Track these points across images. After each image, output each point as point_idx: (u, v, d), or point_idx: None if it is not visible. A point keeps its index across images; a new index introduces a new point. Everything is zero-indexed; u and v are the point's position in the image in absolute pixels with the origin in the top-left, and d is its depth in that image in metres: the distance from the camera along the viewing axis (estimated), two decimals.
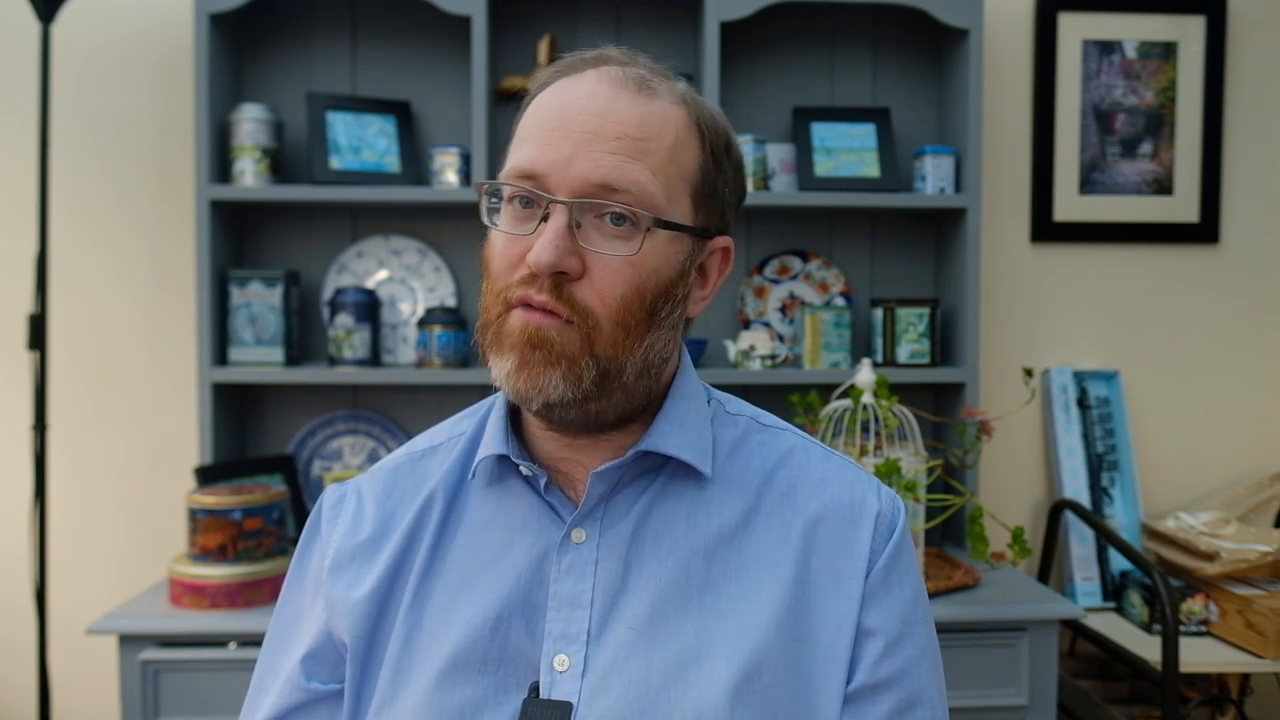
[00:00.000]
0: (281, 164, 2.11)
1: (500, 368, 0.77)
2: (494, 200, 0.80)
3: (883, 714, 0.78)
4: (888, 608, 0.80)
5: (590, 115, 0.76)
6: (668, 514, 0.82)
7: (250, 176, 2.04)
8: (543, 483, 0.82)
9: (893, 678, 0.79)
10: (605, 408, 0.80)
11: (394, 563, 0.83)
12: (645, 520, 0.81)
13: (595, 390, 0.77)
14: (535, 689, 0.77)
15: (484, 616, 0.79)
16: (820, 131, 2.18)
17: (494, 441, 0.84)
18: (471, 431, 0.89)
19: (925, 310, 2.12)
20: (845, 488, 0.85)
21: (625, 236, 0.76)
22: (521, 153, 0.78)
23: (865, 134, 2.18)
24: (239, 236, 2.18)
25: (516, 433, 0.86)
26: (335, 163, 2.06)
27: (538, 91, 0.82)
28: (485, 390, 2.18)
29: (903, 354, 2.13)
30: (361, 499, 0.88)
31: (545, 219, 0.75)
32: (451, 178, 2.07)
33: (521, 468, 0.83)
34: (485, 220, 0.80)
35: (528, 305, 0.76)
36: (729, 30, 2.13)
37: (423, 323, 2.07)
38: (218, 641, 1.70)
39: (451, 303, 2.20)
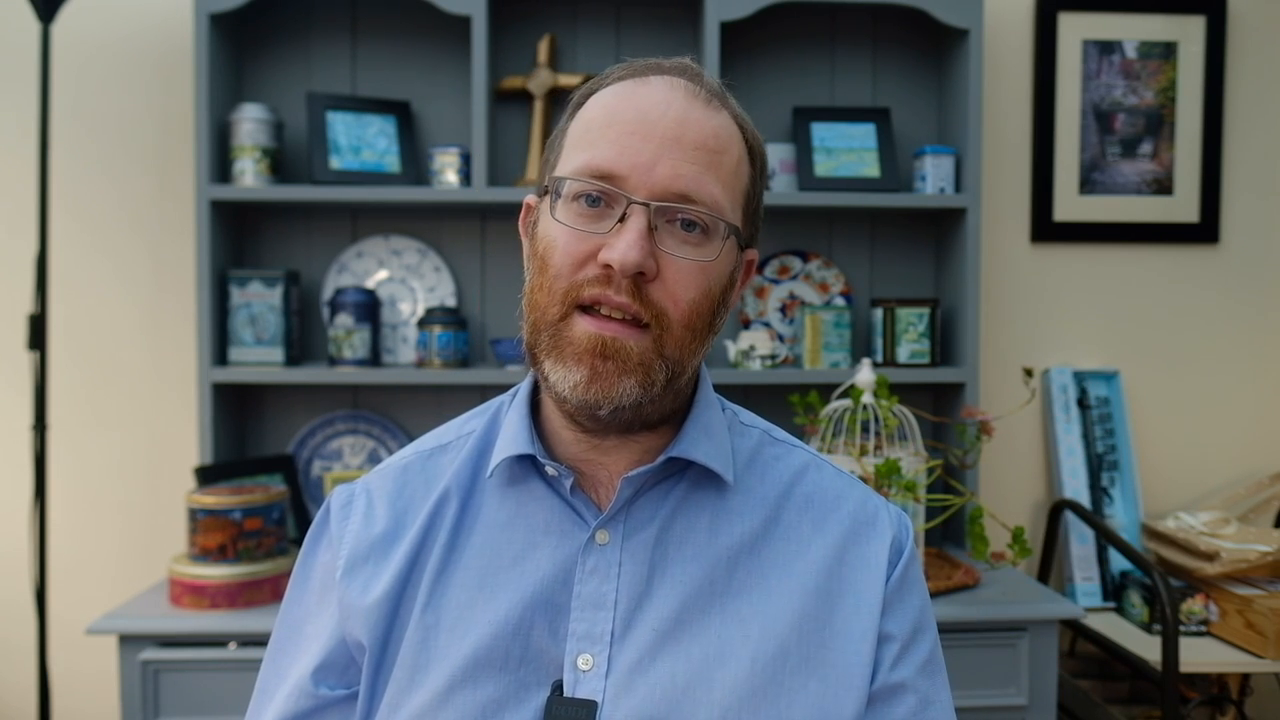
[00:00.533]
0: (281, 164, 2.11)
1: (564, 378, 0.77)
2: (552, 197, 0.80)
3: (900, 716, 0.81)
4: (903, 613, 0.84)
5: (671, 122, 0.78)
6: (690, 520, 0.83)
7: (250, 176, 2.04)
8: (569, 484, 0.83)
9: (909, 680, 0.82)
10: (654, 409, 0.81)
11: (408, 562, 0.83)
12: (669, 526, 0.83)
13: (660, 392, 0.79)
14: (559, 687, 0.77)
15: (506, 616, 0.79)
16: (820, 131, 2.17)
17: (518, 441, 0.84)
18: (481, 431, 0.89)
19: (925, 310, 2.12)
20: (859, 504, 0.88)
21: (697, 242, 0.78)
22: (596, 152, 0.78)
23: (865, 134, 2.18)
24: (239, 236, 2.18)
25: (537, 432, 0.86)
26: (335, 163, 2.06)
27: (594, 90, 0.82)
28: (485, 390, 2.19)
29: (903, 354, 2.12)
30: (371, 499, 0.88)
31: (622, 219, 0.76)
32: (451, 178, 2.07)
33: (548, 468, 0.83)
34: (550, 215, 0.79)
35: (596, 310, 0.76)
36: (729, 30, 2.13)
37: (423, 323, 2.07)
38: (218, 641, 1.70)
39: (451, 303, 2.20)
